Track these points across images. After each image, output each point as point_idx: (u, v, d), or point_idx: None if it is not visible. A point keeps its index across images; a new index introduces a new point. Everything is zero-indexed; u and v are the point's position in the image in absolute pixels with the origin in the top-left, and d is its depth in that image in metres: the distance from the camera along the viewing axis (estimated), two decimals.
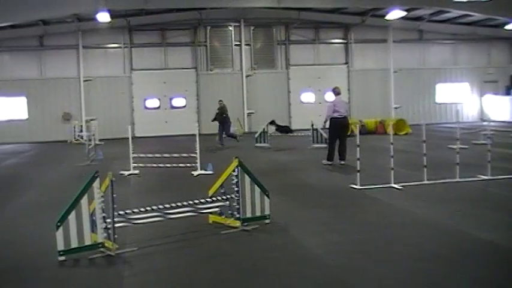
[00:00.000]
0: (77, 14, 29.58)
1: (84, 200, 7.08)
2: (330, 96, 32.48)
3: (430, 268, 6.41)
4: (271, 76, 34.73)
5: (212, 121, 24.26)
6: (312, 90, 35.22)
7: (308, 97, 35.29)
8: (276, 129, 23.38)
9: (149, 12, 31.49)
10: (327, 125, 16.09)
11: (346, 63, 35.66)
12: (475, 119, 35.74)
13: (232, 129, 25.28)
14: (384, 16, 30.76)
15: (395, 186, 11.60)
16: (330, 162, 15.86)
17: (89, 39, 32.83)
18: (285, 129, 23.78)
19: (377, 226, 8.52)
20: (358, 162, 11.86)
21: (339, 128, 15.71)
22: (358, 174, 11.79)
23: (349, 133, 16.85)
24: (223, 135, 23.93)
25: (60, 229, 6.92)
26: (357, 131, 12.66)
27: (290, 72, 34.99)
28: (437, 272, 6.30)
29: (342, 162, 15.72)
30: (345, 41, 35.72)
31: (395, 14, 28.83)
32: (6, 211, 10.75)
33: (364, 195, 11.09)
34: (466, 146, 17.97)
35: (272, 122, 23.25)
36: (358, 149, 11.85)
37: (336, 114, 15.60)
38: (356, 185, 11.73)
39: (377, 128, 27.85)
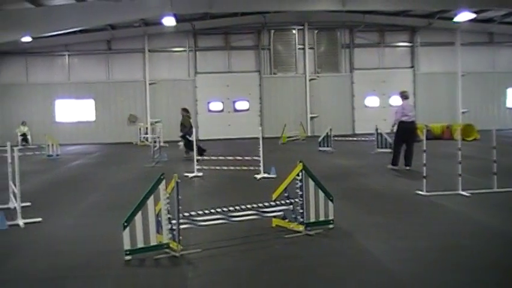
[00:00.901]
0: (144, 18, 30.23)
1: (150, 201, 7.16)
2: (395, 101, 32.14)
3: (496, 279, 6.18)
4: (335, 80, 34.51)
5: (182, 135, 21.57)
6: (377, 94, 34.82)
7: (372, 101, 34.91)
8: (184, 145, 20.98)
9: (213, 16, 31.88)
10: (395, 129, 15.78)
11: (412, 66, 35.05)
12: None
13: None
14: (452, 18, 30.02)
15: (463, 193, 11.23)
16: (395, 167, 15.55)
17: (154, 43, 33.57)
18: (191, 147, 19.21)
19: (443, 234, 8.26)
20: (424, 167, 11.56)
21: (406, 132, 15.38)
22: (425, 180, 11.48)
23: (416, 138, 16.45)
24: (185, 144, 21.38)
25: (127, 229, 7.03)
26: (423, 136, 12.34)
27: (354, 75, 34.69)
28: (504, 283, 6.07)
29: (408, 167, 15.39)
30: (411, 44, 35.13)
31: (464, 16, 28.05)
32: (76, 210, 11.05)
33: (430, 201, 10.79)
34: None
35: (183, 136, 21.22)
36: (424, 154, 11.55)
37: (404, 118, 15.29)
38: (422, 191, 11.43)
39: (443, 133, 27.17)
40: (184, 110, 22.21)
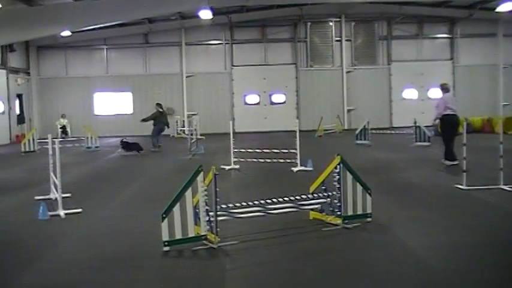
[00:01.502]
0: (181, 12, 30.38)
1: (188, 193, 7.21)
2: (433, 93, 31.74)
3: None
4: (372, 72, 34.16)
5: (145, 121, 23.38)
6: (415, 86, 34.33)
7: (410, 94, 34.42)
8: (123, 148, 21.52)
9: (250, 9, 31.86)
10: (436, 122, 15.38)
11: (451, 58, 34.44)
12: None
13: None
14: (494, 9, 29.30)
15: (505, 187, 10.98)
16: (455, 162, 14.66)
17: (191, 36, 33.75)
18: (130, 147, 21.48)
19: (484, 229, 8.10)
20: (464, 161, 11.35)
21: (450, 125, 14.98)
22: (465, 174, 11.27)
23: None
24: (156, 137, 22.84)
25: (165, 220, 7.09)
26: (462, 129, 12.10)
27: (392, 68, 34.27)
28: None
29: (447, 161, 15.09)
30: (450, 36, 34.51)
31: (506, 6, 27.33)
32: (114, 201, 11.21)
33: (470, 196, 10.59)
34: None
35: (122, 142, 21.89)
36: (464, 148, 11.33)
37: (448, 111, 14.91)
38: (462, 185, 11.23)
39: (484, 126, 26.64)
40: (157, 104, 23.37)
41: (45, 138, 11.44)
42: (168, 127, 23.68)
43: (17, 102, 31.88)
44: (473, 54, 34.06)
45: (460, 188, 11.18)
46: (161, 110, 23.22)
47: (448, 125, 14.95)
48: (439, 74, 32.56)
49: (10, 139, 30.05)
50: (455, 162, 14.70)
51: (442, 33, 34.77)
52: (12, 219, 9.70)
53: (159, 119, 22.94)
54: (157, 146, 22.34)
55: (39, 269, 6.73)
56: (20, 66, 32.35)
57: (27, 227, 9.04)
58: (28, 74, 33.29)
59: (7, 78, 30.23)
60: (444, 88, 15.52)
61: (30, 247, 7.79)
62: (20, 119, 32.02)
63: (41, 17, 25.19)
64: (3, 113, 29.71)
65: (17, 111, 31.80)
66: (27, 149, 22.51)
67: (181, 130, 30.59)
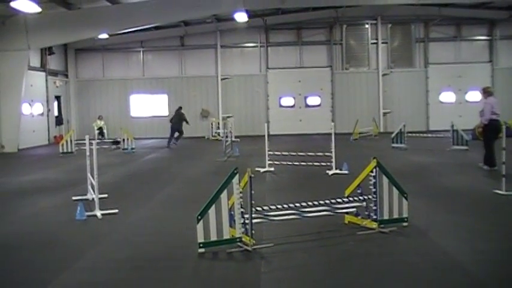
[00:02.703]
0: (216, 14, 30.53)
1: (223, 195, 7.23)
2: (471, 96, 31.30)
3: None
4: (409, 75, 33.73)
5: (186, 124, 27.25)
6: (452, 89, 33.74)
7: (448, 97, 33.87)
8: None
9: (285, 12, 31.80)
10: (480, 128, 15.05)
11: (490, 61, 33.76)
12: None
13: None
14: None
15: None
16: (494, 168, 14.42)
17: (226, 38, 33.84)
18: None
19: None
20: (503, 166, 11.13)
21: (494, 130, 14.66)
22: (504, 179, 11.05)
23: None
24: (174, 139, 26.49)
25: (201, 222, 7.12)
26: (503, 134, 11.86)
27: (429, 70, 33.78)
28: None
29: (485, 166, 14.81)
30: (490, 38, 33.82)
31: None
32: (150, 202, 11.31)
33: (509, 201, 10.37)
34: None
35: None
36: (504, 152, 11.12)
37: (493, 116, 14.63)
38: (501, 190, 11.00)
39: None
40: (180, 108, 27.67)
41: (82, 140, 11.59)
42: (174, 129, 26.66)
43: (56, 104, 32.45)
44: None
45: (499, 193, 10.97)
46: (178, 113, 27.07)
47: (492, 130, 14.63)
48: (477, 77, 32.08)
49: (48, 140, 30.60)
50: (494, 168, 14.44)
51: (481, 35, 34.12)
52: (50, 219, 9.87)
53: (173, 121, 26.79)
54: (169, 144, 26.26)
55: (76, 268, 6.83)
56: (59, 68, 32.92)
57: (64, 227, 9.19)
58: (66, 76, 33.86)
59: (46, 80, 30.78)
60: (487, 92, 15.20)
61: (67, 247, 7.91)
62: (58, 120, 32.58)
63: (79, 20, 25.62)
64: (42, 114, 30.25)
65: (56, 113, 32.36)
66: (65, 150, 22.88)
67: (216, 132, 30.73)
